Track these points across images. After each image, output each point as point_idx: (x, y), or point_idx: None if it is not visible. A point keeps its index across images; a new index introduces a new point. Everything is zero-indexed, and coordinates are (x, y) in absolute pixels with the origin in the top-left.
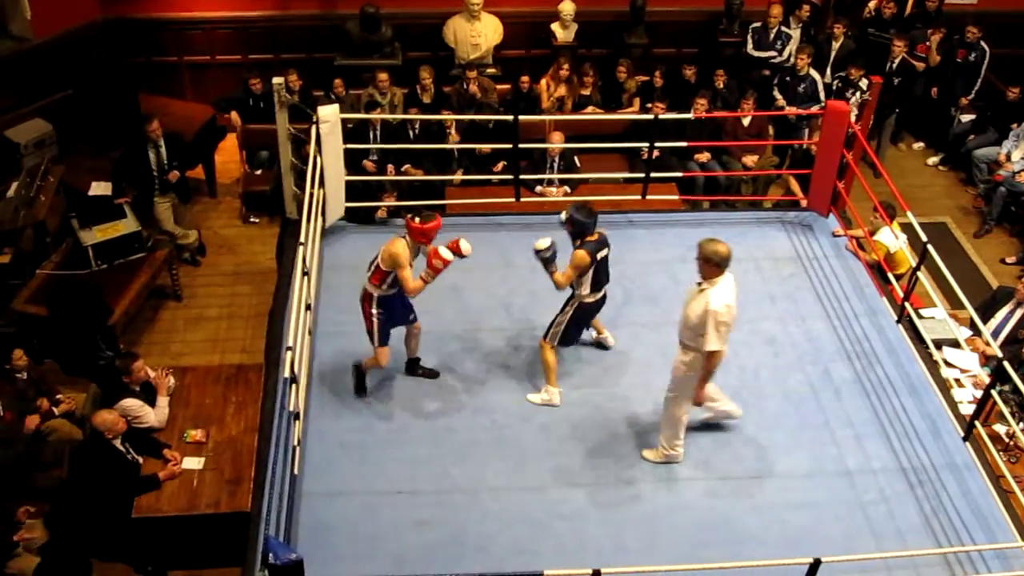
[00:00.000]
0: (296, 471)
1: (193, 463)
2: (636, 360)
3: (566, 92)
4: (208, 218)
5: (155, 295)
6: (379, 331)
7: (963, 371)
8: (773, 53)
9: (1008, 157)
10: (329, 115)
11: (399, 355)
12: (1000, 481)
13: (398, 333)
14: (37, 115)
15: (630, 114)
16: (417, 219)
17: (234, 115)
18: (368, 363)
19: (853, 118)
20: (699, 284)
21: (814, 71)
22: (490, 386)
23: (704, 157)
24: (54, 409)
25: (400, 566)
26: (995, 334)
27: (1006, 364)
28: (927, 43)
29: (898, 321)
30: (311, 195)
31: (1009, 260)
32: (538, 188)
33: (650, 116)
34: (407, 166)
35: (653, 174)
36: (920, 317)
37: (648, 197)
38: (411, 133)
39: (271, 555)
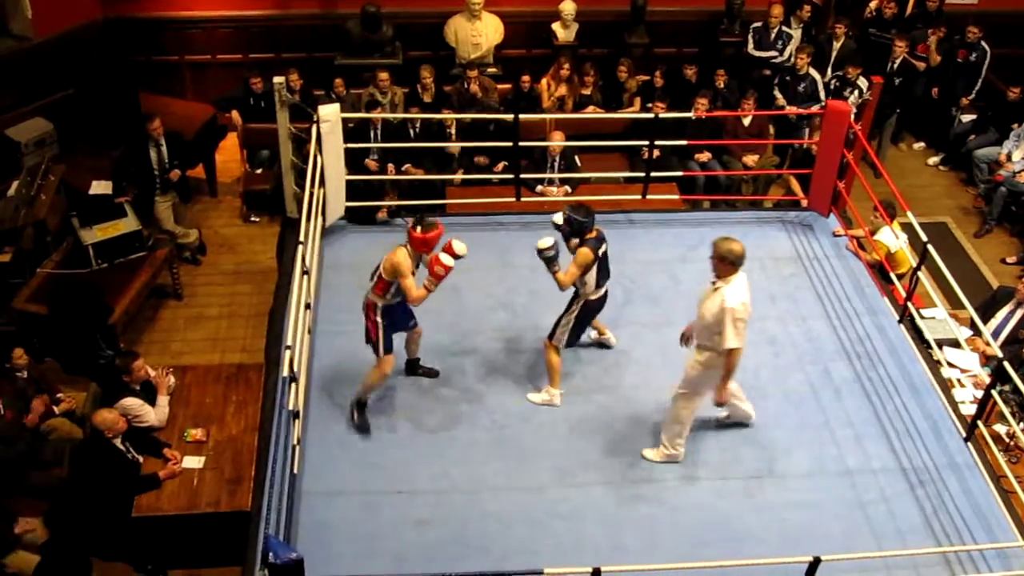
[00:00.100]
0: (296, 470)
1: (193, 462)
2: (636, 360)
3: (567, 91)
4: (209, 217)
5: (155, 294)
6: (384, 339)
7: (964, 371)
8: (774, 53)
9: (1008, 157)
10: (330, 114)
11: (398, 356)
12: (1001, 481)
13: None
14: (38, 114)
15: (631, 114)
16: (419, 228)
17: (235, 114)
18: (369, 382)
19: (851, 117)
20: (713, 283)
21: (814, 70)
22: (490, 386)
23: (705, 157)
24: (54, 408)
25: (400, 565)
26: (995, 334)
27: (1006, 364)
28: (928, 43)
29: (899, 321)
30: (311, 194)
31: (1009, 260)
32: (539, 187)
33: (651, 115)
34: (407, 165)
35: (653, 173)
36: (921, 317)
37: (648, 197)
38: (412, 132)
39: (271, 554)
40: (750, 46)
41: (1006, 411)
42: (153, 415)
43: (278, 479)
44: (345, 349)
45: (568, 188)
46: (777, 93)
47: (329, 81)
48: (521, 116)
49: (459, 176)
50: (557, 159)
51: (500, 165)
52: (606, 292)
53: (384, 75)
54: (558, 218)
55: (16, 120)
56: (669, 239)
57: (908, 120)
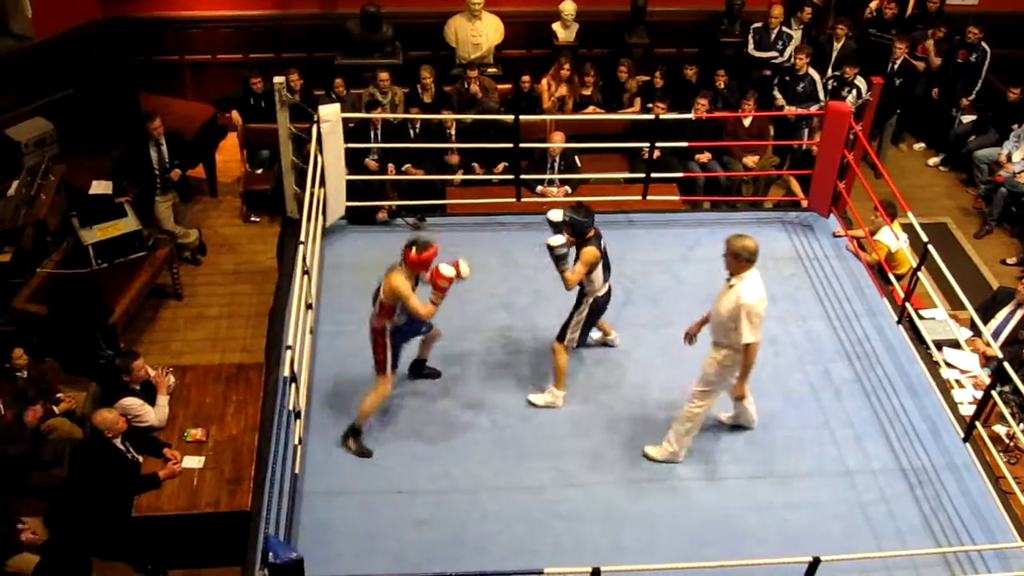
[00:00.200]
0: (296, 470)
1: (193, 462)
2: (636, 360)
3: (567, 92)
4: (209, 217)
5: (155, 294)
6: (392, 359)
7: (963, 372)
8: (774, 53)
9: (1009, 158)
10: (330, 114)
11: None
12: (1000, 482)
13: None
14: (38, 114)
15: (631, 114)
16: (414, 249)
17: (235, 114)
18: (367, 408)
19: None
20: (728, 280)
21: (813, 70)
22: (490, 386)
23: (705, 157)
24: (54, 408)
25: (400, 565)
26: (995, 335)
27: (1006, 365)
28: (927, 45)
29: (898, 321)
30: (312, 194)
31: (1010, 261)
32: (539, 188)
33: (651, 116)
34: (407, 166)
35: (654, 174)
36: (920, 318)
37: (649, 197)
38: (412, 132)
39: (271, 554)
40: (750, 46)
41: (1006, 412)
42: (153, 415)
43: (278, 479)
44: (346, 349)
45: (568, 188)
46: (776, 93)
47: (329, 81)
48: (521, 117)
49: (459, 176)
50: (557, 159)
51: (500, 166)
52: (610, 288)
53: (384, 75)
54: (554, 215)
55: (16, 120)
56: (669, 240)
57: (908, 121)
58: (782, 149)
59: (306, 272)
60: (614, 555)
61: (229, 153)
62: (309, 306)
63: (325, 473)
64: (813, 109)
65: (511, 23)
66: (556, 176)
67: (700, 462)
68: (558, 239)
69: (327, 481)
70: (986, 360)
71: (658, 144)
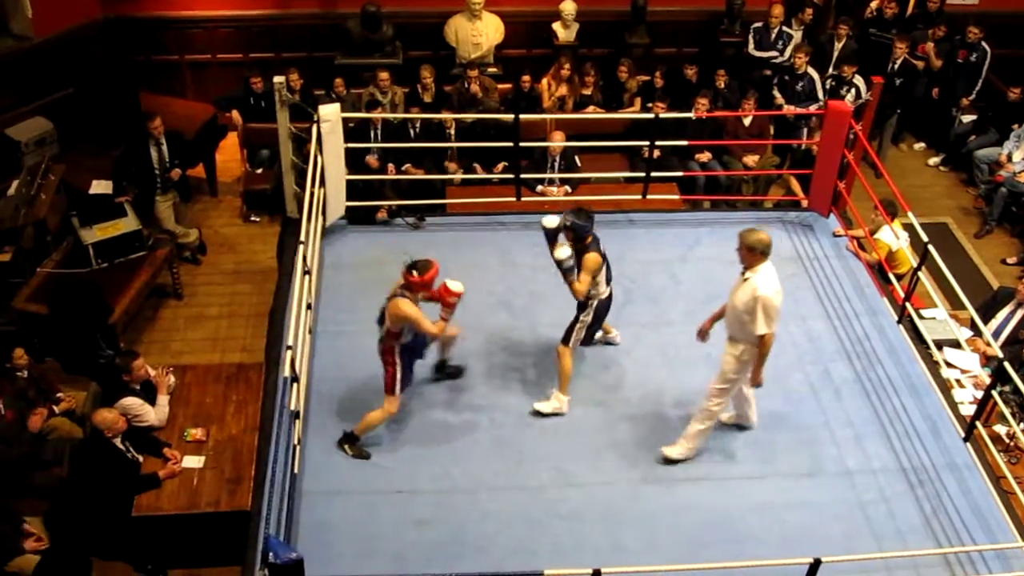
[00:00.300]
0: (296, 470)
1: (193, 462)
2: (636, 360)
3: (567, 91)
4: (209, 217)
5: (155, 294)
6: (401, 379)
7: (964, 372)
8: (774, 53)
9: (1009, 158)
10: (330, 114)
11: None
12: (1000, 482)
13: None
14: (38, 113)
15: (631, 114)
16: (415, 272)
17: (235, 114)
18: (370, 422)
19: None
20: (742, 274)
21: (812, 70)
22: (490, 386)
23: (705, 157)
24: (54, 408)
25: (400, 565)
26: (996, 335)
27: (1007, 365)
28: (927, 46)
29: (899, 321)
30: (312, 194)
31: (1010, 261)
32: (539, 187)
33: (651, 116)
34: (407, 165)
35: (654, 174)
36: (921, 317)
37: (649, 197)
38: (412, 132)
39: (271, 554)
40: (750, 46)
41: (1006, 412)
42: (153, 415)
43: (278, 479)
44: (346, 349)
45: (568, 188)
46: (776, 92)
47: (329, 81)
48: (521, 116)
49: (459, 176)
50: (557, 159)
51: (500, 165)
52: (612, 290)
53: (384, 75)
54: (549, 221)
55: (16, 119)
56: (669, 239)
57: (909, 120)
58: (782, 149)
59: (306, 272)
60: (614, 555)
61: (229, 153)
62: (309, 306)
63: (325, 473)
64: (812, 108)
65: (511, 23)
66: (556, 176)
67: (700, 462)
68: (565, 251)
69: (327, 481)
70: (986, 360)
71: (658, 143)
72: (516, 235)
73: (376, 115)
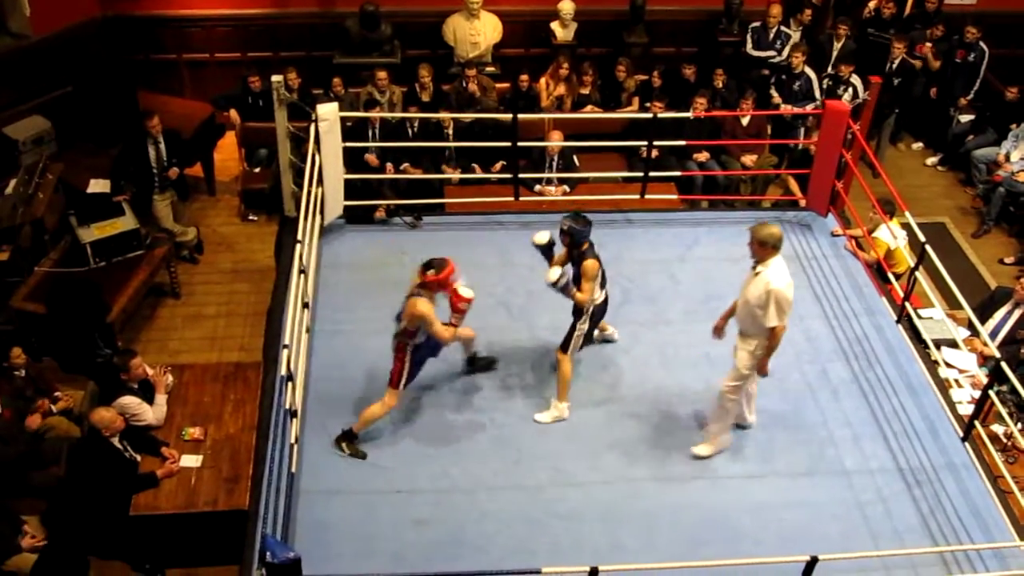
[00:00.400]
0: (294, 469)
1: (191, 461)
2: (634, 359)
3: (565, 91)
4: (207, 216)
5: (153, 293)
6: (407, 375)
7: (961, 371)
8: (772, 53)
9: (1007, 157)
10: (328, 113)
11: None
12: (998, 481)
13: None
14: (36, 112)
15: (629, 113)
16: (431, 271)
17: (233, 113)
18: (369, 416)
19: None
20: (754, 268)
21: (809, 69)
22: (489, 385)
23: (703, 156)
24: (52, 407)
25: (398, 565)
26: (993, 334)
27: (1004, 364)
28: (924, 46)
29: (897, 321)
30: (309, 193)
31: (1007, 260)
32: (537, 187)
33: (649, 115)
34: (406, 165)
35: (652, 173)
36: (919, 317)
37: (647, 196)
38: (410, 132)
39: (269, 553)
40: (749, 46)
41: (1003, 411)
42: (151, 414)
43: (276, 478)
44: (343, 348)
45: (566, 188)
46: (773, 92)
47: (327, 80)
48: (519, 115)
49: (457, 175)
50: (555, 158)
51: (498, 164)
52: (607, 294)
53: (382, 74)
54: (540, 237)
55: (14, 118)
56: (667, 239)
57: (907, 120)
58: (780, 148)
59: (303, 271)
60: (612, 554)
61: (227, 152)
62: (306, 305)
63: (323, 472)
64: (809, 108)
65: (509, 22)
66: (554, 175)
67: (698, 462)
68: (555, 273)
69: (325, 480)
70: (984, 360)
71: (656, 143)
72: (514, 234)
73: (374, 114)
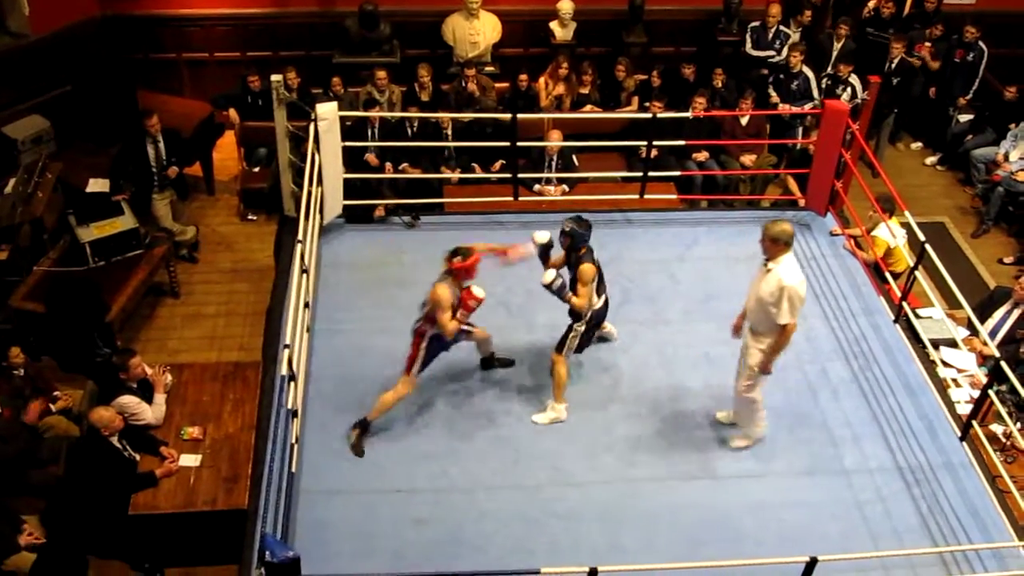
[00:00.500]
0: (293, 469)
1: (190, 460)
2: (633, 359)
3: (564, 91)
4: (206, 215)
5: (152, 292)
6: (423, 361)
7: (960, 371)
8: (772, 52)
9: (1006, 157)
10: (327, 113)
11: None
12: (996, 481)
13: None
14: (35, 111)
15: (628, 113)
16: (457, 258)
17: (232, 112)
18: (384, 404)
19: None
20: (765, 265)
21: (807, 68)
22: (488, 385)
23: (702, 156)
24: (51, 406)
25: (397, 564)
26: (992, 334)
27: (1003, 364)
28: (923, 46)
29: (895, 321)
30: (309, 193)
31: (1006, 260)
32: (536, 187)
33: (648, 115)
34: (405, 164)
35: (651, 173)
36: (917, 317)
37: (646, 196)
38: (409, 131)
39: (268, 553)
40: (748, 45)
41: (1003, 411)
42: (150, 413)
43: (275, 477)
44: (343, 347)
45: (566, 187)
46: (771, 91)
47: (327, 79)
48: (519, 115)
49: (456, 175)
50: (555, 158)
51: (497, 164)
52: (607, 299)
53: (382, 73)
54: (541, 236)
55: (13, 117)
56: (667, 238)
57: (906, 120)
58: (779, 148)
59: (303, 270)
60: (611, 554)
61: (226, 151)
62: (306, 304)
63: (322, 472)
64: (808, 107)
65: (509, 22)
66: (553, 175)
67: (697, 462)
68: (549, 275)
69: (324, 480)
70: (983, 359)
71: (655, 143)
72: (513, 234)
73: (374, 114)
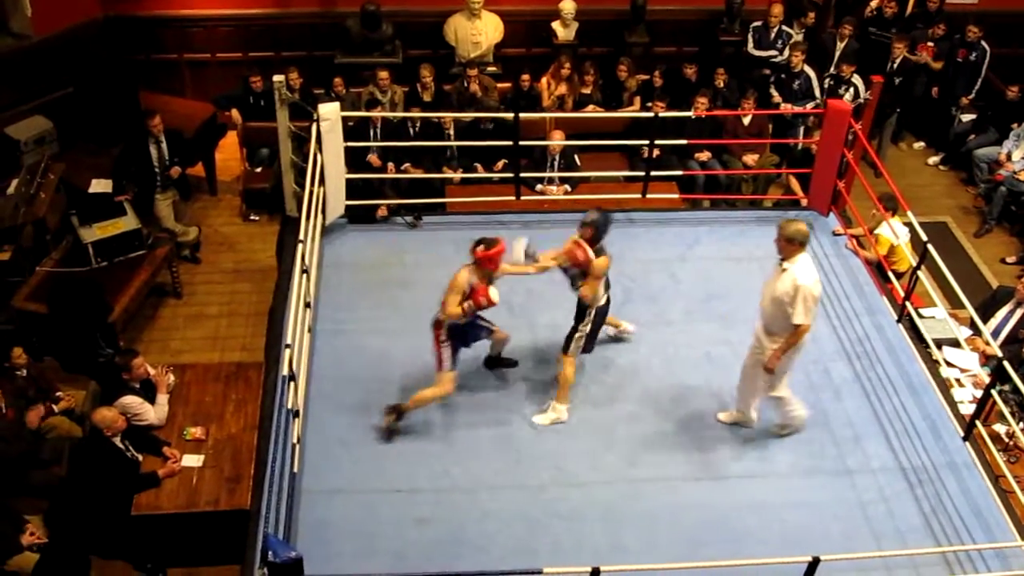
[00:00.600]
0: (296, 469)
1: (193, 461)
2: (635, 359)
3: (567, 90)
4: (208, 216)
5: (155, 292)
6: (451, 355)
7: (963, 371)
8: (774, 52)
9: (1008, 157)
10: (329, 113)
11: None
12: (999, 481)
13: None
14: (37, 112)
15: (630, 113)
16: (481, 247)
17: (234, 112)
18: (423, 397)
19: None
20: (780, 264)
21: (809, 68)
22: (489, 385)
23: (704, 156)
24: (54, 406)
25: (399, 564)
26: (995, 334)
27: (1006, 364)
28: (927, 43)
29: (898, 320)
30: (311, 193)
31: (1009, 260)
32: (538, 186)
33: (650, 115)
34: (407, 164)
35: (653, 173)
36: (920, 316)
37: (648, 196)
38: (411, 131)
39: (270, 553)
40: (750, 45)
41: (1006, 411)
42: (152, 413)
43: (278, 478)
44: (345, 348)
45: (568, 187)
46: (773, 91)
47: (329, 80)
48: (521, 115)
49: (458, 175)
50: (557, 158)
51: (500, 164)
52: (609, 296)
53: (384, 74)
54: (521, 244)
55: (16, 118)
56: (669, 238)
57: (908, 119)
58: (781, 148)
59: (305, 271)
60: (613, 555)
61: (228, 151)
62: (308, 305)
63: (324, 472)
64: (810, 107)
65: (511, 22)
66: (556, 175)
67: (699, 462)
68: (523, 243)
69: (326, 480)
70: (986, 359)
71: (658, 143)
72: (516, 234)
73: (376, 114)
